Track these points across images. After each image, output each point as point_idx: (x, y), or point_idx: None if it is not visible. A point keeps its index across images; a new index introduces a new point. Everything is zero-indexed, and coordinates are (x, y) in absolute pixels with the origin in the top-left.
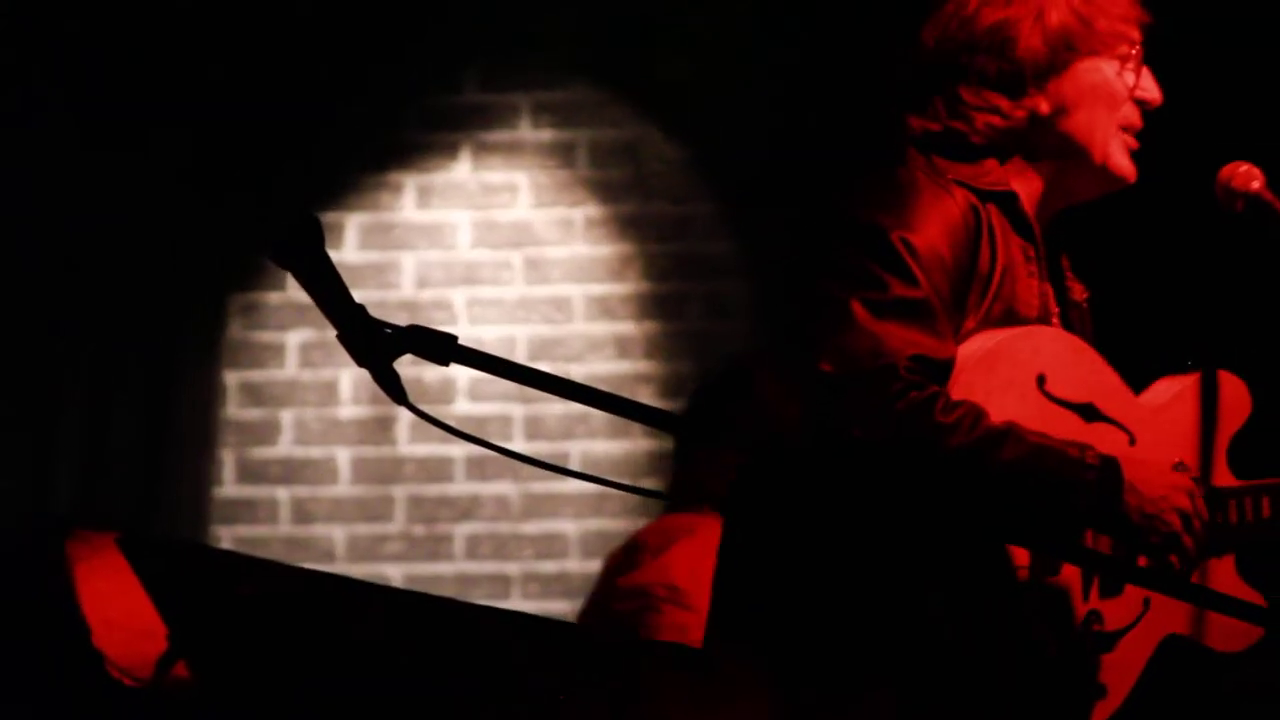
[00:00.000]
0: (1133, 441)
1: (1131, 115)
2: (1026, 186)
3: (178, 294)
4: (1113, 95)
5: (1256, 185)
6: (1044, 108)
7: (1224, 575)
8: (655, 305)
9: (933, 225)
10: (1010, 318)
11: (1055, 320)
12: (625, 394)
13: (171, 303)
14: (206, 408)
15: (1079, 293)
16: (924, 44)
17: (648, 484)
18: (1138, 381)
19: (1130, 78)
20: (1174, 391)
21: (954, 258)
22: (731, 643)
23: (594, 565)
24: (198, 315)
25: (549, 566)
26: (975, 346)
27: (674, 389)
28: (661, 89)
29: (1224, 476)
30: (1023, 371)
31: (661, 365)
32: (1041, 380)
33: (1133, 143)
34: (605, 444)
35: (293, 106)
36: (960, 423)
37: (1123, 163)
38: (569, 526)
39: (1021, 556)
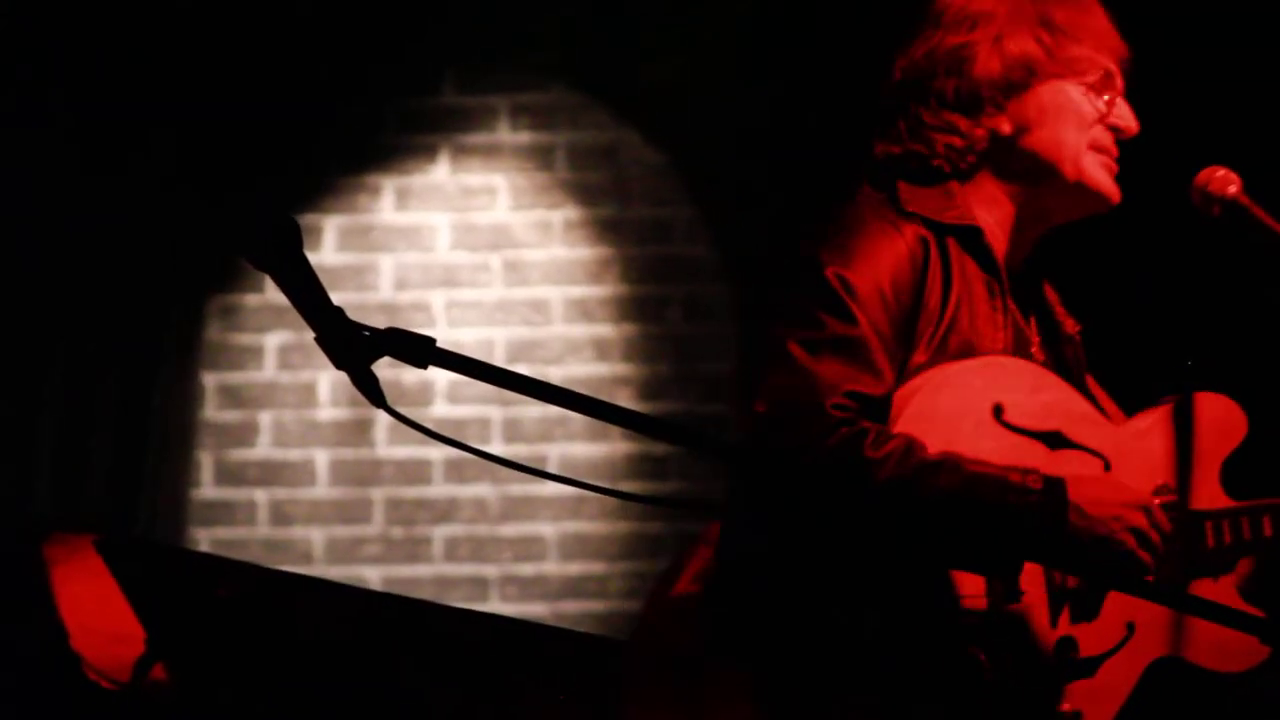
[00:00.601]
0: (1108, 467)
1: (1103, 139)
2: (995, 214)
3: (156, 296)
4: (1080, 115)
5: (1233, 190)
6: (1005, 127)
7: (1222, 596)
8: (634, 308)
9: (875, 262)
10: (969, 351)
11: (1035, 351)
12: (604, 396)
13: (150, 304)
14: (184, 410)
15: (1070, 326)
16: (893, 75)
17: (626, 487)
18: (1133, 405)
19: (1100, 104)
20: (1157, 416)
21: (897, 294)
22: (720, 649)
23: (572, 568)
24: (176, 317)
25: (527, 569)
26: (924, 381)
27: (653, 392)
28: (641, 92)
29: (1217, 498)
30: (977, 403)
31: (640, 368)
32: (999, 410)
33: (1111, 164)
34: (584, 447)
35: (271, 109)
36: (890, 456)
37: (1101, 180)
38: (547, 529)
39: (975, 585)
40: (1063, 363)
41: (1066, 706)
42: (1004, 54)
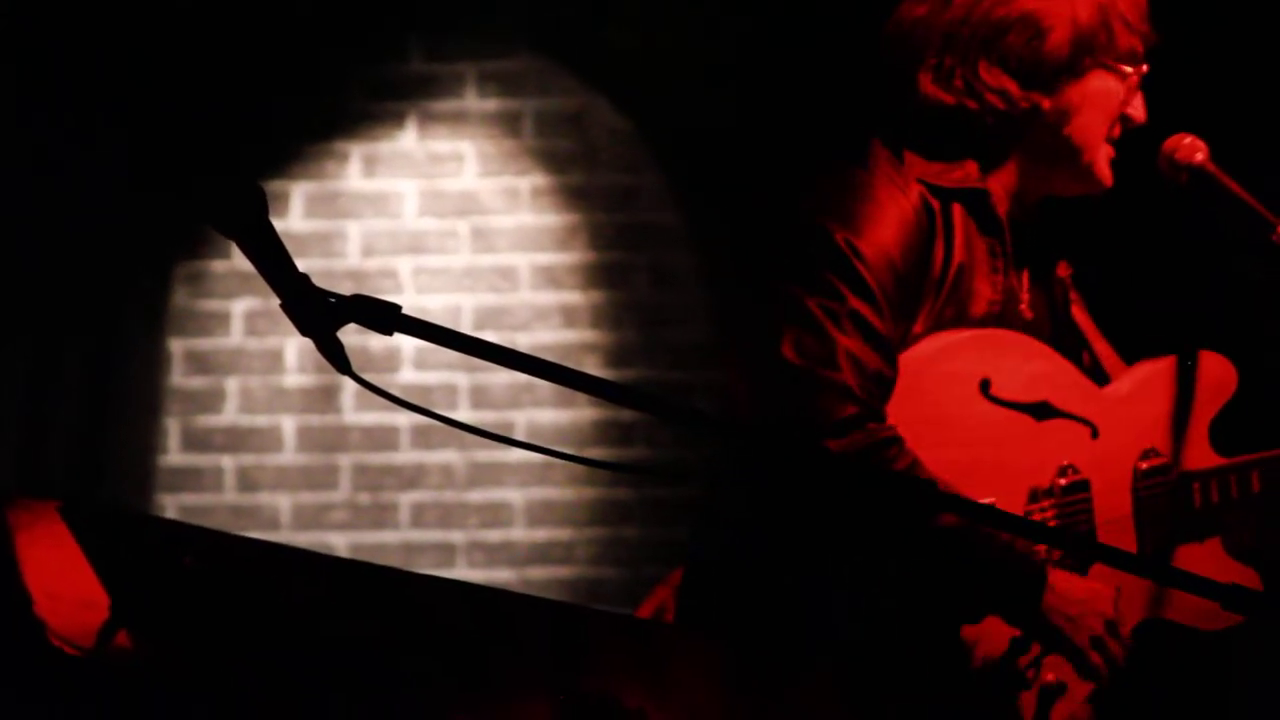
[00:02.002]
0: (1095, 434)
1: (1117, 130)
2: (1002, 180)
3: (122, 262)
4: (1111, 108)
5: (1200, 157)
6: (1047, 104)
7: (1208, 557)
8: (601, 275)
9: (885, 228)
10: (962, 318)
11: (1024, 308)
12: (571, 363)
13: (116, 271)
14: (151, 376)
15: (1062, 270)
16: (954, 7)
17: (593, 453)
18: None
19: (1122, 94)
20: (1144, 375)
21: (904, 260)
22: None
23: (539, 534)
24: (143, 284)
25: (494, 535)
26: (918, 353)
27: (620, 358)
28: (608, 59)
29: (1206, 456)
30: (965, 377)
31: (607, 335)
32: (986, 385)
33: (1112, 152)
34: (551, 413)
35: (238, 76)
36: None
37: (1106, 171)
38: (514, 495)
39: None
40: (1053, 310)
41: (1050, 677)
42: (1078, 30)
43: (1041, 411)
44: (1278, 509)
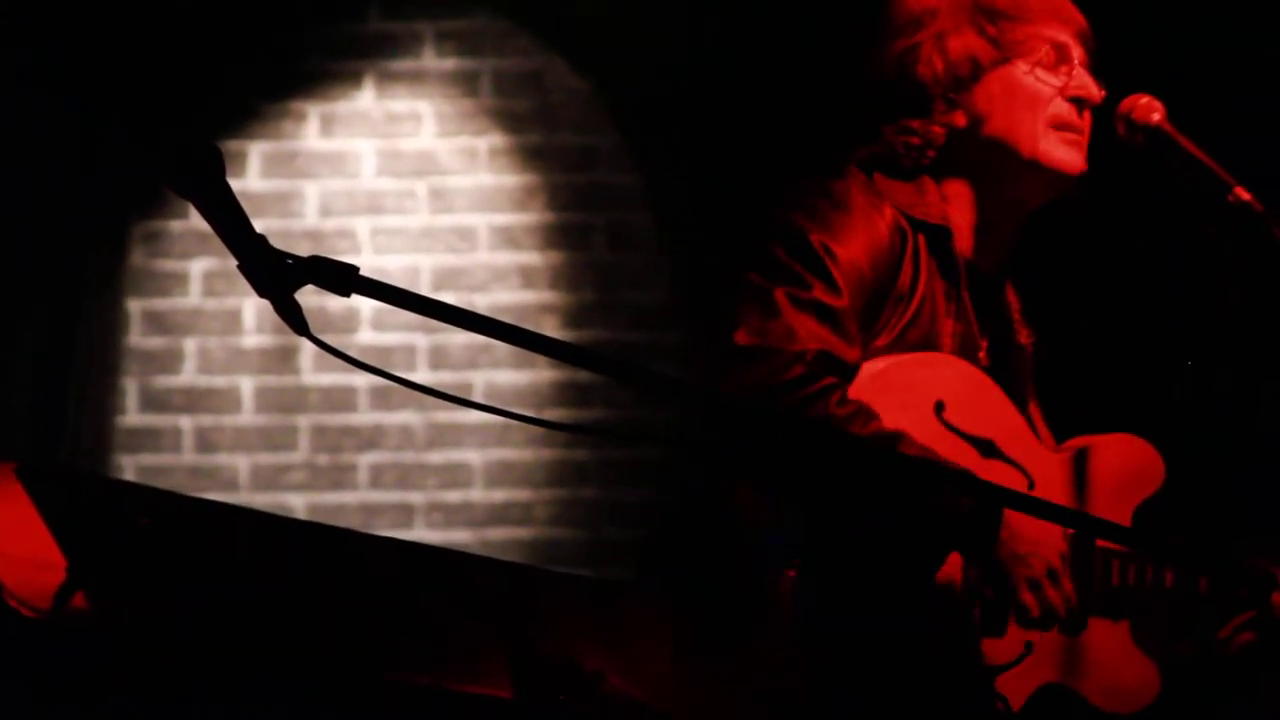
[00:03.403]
0: (1031, 486)
1: (1064, 113)
2: (965, 213)
3: (80, 222)
4: (1033, 95)
5: (1157, 118)
6: (961, 120)
7: (1116, 638)
8: (560, 235)
9: (858, 240)
10: (925, 346)
11: (981, 357)
12: (529, 324)
13: (74, 231)
14: (109, 336)
15: (1024, 337)
16: (864, 73)
17: (552, 414)
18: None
19: (1056, 79)
20: (1084, 446)
21: (874, 275)
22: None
23: (497, 495)
24: (100, 243)
25: (453, 496)
26: (877, 366)
27: (578, 319)
28: (566, 19)
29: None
30: (921, 396)
31: (566, 295)
32: (940, 407)
33: (1073, 137)
34: (509, 374)
35: (195, 35)
36: (853, 418)
37: (1060, 157)
38: (473, 456)
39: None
40: (1008, 372)
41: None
42: (946, 51)
43: (987, 449)
44: (1185, 608)
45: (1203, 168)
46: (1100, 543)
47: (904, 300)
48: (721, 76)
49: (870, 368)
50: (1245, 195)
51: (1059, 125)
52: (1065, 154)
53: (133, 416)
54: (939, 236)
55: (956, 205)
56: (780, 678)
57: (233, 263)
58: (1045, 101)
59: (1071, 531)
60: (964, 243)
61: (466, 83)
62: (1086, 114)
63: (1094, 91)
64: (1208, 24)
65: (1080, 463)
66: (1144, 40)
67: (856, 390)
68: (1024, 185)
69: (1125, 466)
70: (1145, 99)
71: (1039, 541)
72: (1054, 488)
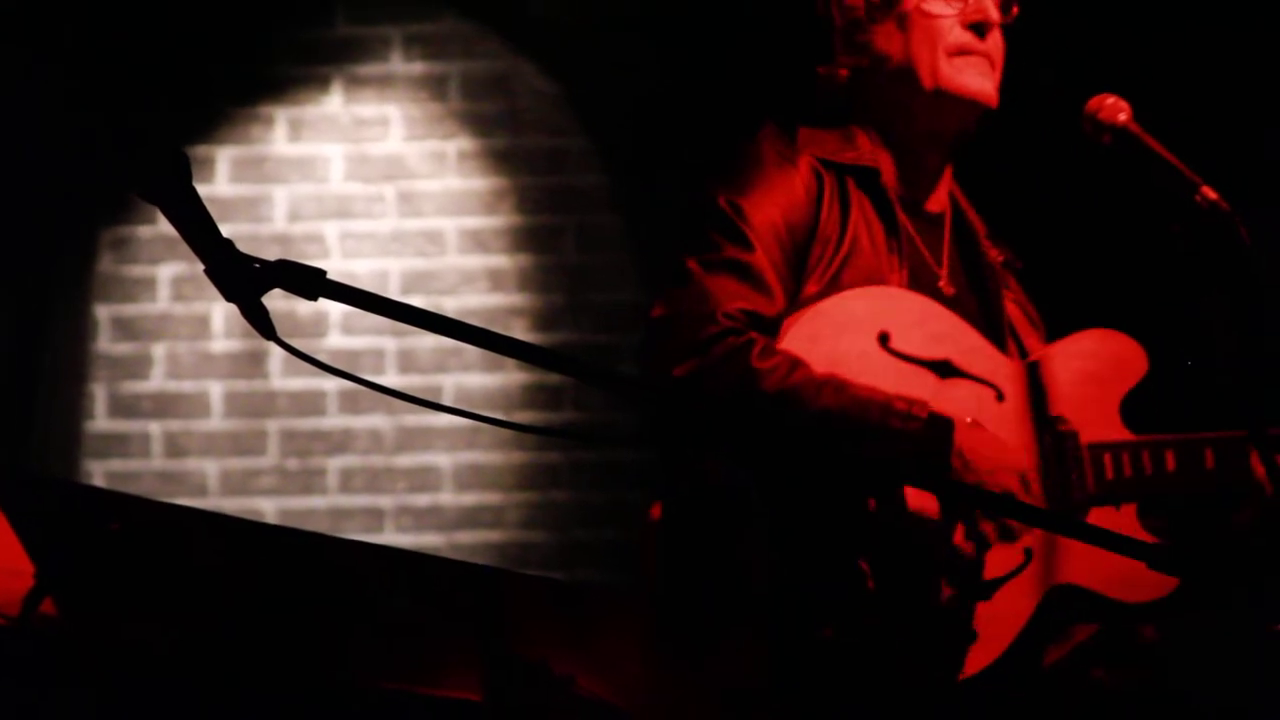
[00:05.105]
0: (1000, 397)
1: (964, 39)
2: (887, 153)
3: (49, 228)
4: (930, 27)
5: (1123, 118)
6: (863, 61)
7: (1123, 522)
8: (528, 238)
9: (768, 194)
10: (864, 284)
11: (942, 285)
12: (498, 327)
13: (42, 237)
14: (78, 342)
15: (994, 255)
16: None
17: (521, 417)
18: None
19: (952, 6)
20: (1060, 348)
21: (790, 226)
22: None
23: (467, 498)
24: (69, 249)
25: (422, 500)
26: (812, 310)
27: (548, 322)
28: (533, 21)
29: (1118, 431)
30: (862, 330)
31: (535, 298)
32: (885, 338)
33: (975, 60)
34: (479, 377)
35: (164, 39)
36: (776, 368)
37: (964, 82)
38: (442, 459)
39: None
40: (982, 294)
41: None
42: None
43: (944, 369)
44: (1193, 490)
45: (1170, 167)
46: (1089, 439)
47: (831, 241)
48: (689, 76)
49: (810, 312)
50: (1212, 194)
51: (959, 51)
52: (969, 79)
53: (102, 422)
54: (868, 177)
55: (879, 146)
56: (750, 678)
57: (201, 268)
58: (943, 32)
59: (1040, 442)
60: (893, 180)
61: (434, 86)
62: (992, 35)
63: (992, 14)
64: (1176, 23)
65: (1059, 363)
66: (1113, 40)
67: (798, 339)
68: (934, 116)
69: (1106, 358)
70: (1112, 99)
71: (998, 456)
72: (1026, 394)
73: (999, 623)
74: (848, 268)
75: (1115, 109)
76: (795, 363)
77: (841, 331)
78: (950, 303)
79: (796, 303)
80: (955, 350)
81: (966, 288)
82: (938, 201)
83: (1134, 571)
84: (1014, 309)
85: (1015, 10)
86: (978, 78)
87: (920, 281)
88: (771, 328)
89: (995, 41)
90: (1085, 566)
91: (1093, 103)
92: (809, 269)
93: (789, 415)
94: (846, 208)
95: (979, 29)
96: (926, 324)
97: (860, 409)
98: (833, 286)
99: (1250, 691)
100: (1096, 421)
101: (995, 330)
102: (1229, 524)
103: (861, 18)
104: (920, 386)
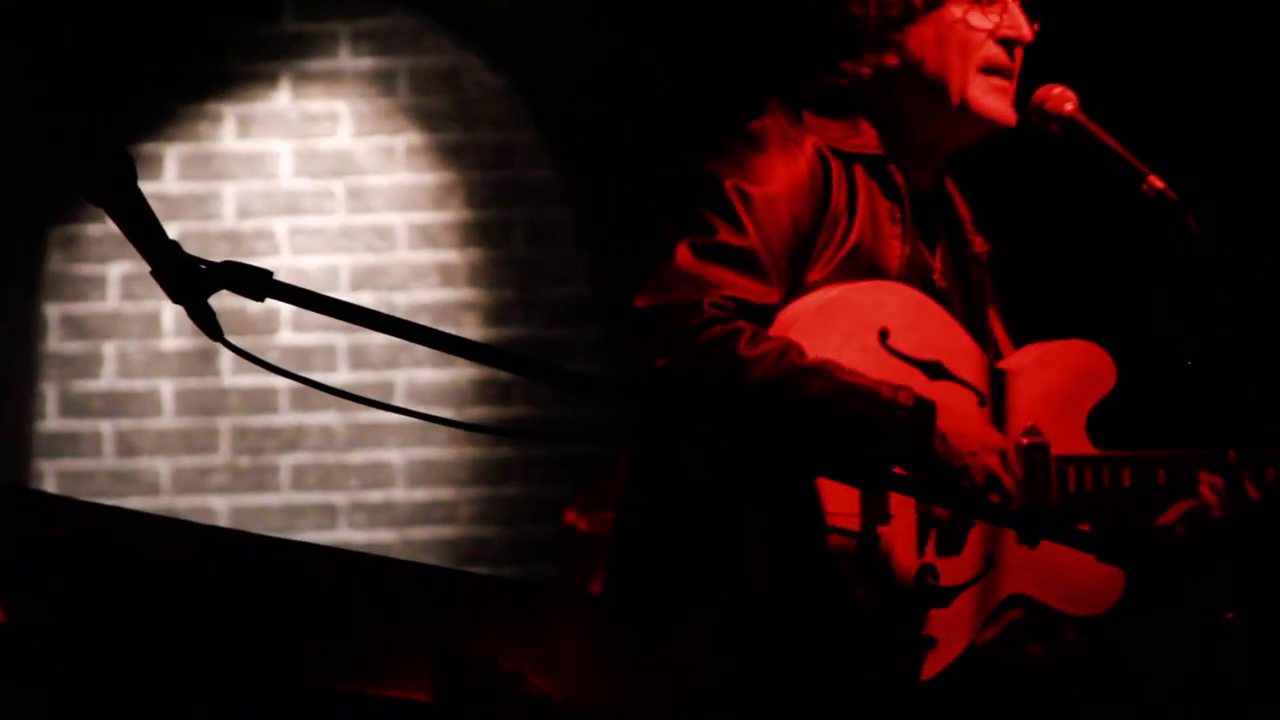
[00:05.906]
0: (983, 402)
1: (995, 55)
2: (897, 145)
3: None
4: (965, 39)
5: (1070, 108)
6: (891, 61)
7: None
8: (478, 233)
9: (774, 179)
10: (869, 274)
11: (937, 278)
12: (449, 322)
13: None
14: (27, 341)
15: (978, 245)
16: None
17: (473, 412)
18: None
19: (988, 20)
20: (1034, 356)
21: (793, 212)
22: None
23: (420, 494)
24: (17, 248)
25: (375, 496)
26: (816, 298)
27: (498, 316)
28: (481, 15)
29: (1082, 445)
30: (864, 325)
31: (485, 293)
32: (884, 335)
33: (1001, 84)
34: (430, 372)
35: (109, 36)
36: (765, 356)
37: (988, 104)
38: (395, 456)
39: (848, 504)
40: (967, 284)
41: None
42: None
43: (934, 371)
44: (1146, 507)
45: (1117, 157)
46: (1057, 450)
47: (841, 233)
48: (639, 69)
49: (813, 300)
50: (1159, 184)
51: (989, 68)
52: (994, 102)
53: (52, 421)
54: (877, 165)
55: (890, 140)
56: (701, 676)
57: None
58: (977, 46)
59: (1023, 428)
60: (898, 172)
61: (382, 82)
62: (1018, 52)
63: (1025, 31)
64: (1127, 14)
65: (1031, 371)
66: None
67: (805, 324)
68: (950, 129)
69: (1077, 371)
70: (1058, 89)
71: (979, 437)
72: (1003, 401)
73: (955, 628)
74: (855, 256)
75: (1061, 99)
76: (785, 350)
77: (844, 326)
78: (943, 298)
79: (801, 288)
80: (945, 352)
81: (955, 282)
82: (935, 195)
83: (1084, 586)
84: (992, 309)
85: (1036, 27)
86: (1002, 102)
87: (915, 271)
88: (763, 315)
89: (1019, 57)
90: (1038, 579)
91: (1039, 93)
92: (814, 255)
93: (778, 403)
94: (854, 195)
95: (1009, 45)
96: (922, 323)
97: (848, 396)
98: (838, 274)
99: (1189, 656)
100: (1065, 434)
101: (978, 328)
102: (1154, 527)
103: (898, 15)
104: (910, 385)
